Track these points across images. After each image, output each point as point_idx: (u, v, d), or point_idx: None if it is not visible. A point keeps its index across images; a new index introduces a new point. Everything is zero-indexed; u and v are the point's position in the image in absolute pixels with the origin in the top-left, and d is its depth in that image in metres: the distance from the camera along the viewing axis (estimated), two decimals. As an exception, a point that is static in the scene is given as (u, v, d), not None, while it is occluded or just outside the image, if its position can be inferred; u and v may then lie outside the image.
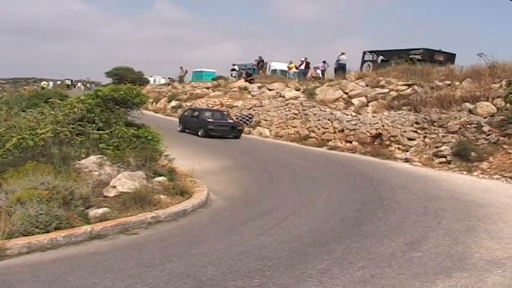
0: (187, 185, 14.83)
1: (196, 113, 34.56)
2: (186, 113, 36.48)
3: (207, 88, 48.91)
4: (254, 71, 49.39)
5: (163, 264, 8.79)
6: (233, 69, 55.39)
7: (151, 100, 46.32)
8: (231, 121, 33.56)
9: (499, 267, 9.02)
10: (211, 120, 32.34)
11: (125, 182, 13.01)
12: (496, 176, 18.70)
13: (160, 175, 14.82)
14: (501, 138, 21.28)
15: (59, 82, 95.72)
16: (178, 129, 34.40)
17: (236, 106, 38.94)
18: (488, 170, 19.46)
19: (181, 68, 64.48)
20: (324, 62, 42.02)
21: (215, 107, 40.50)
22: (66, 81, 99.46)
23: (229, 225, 11.78)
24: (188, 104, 45.13)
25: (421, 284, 8.03)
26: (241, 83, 45.09)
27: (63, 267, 8.49)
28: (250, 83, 43.82)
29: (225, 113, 35.81)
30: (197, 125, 32.60)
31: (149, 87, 62.68)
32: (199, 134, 31.73)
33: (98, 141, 15.52)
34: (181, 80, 62.20)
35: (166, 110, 47.74)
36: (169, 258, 9.13)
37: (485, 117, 23.35)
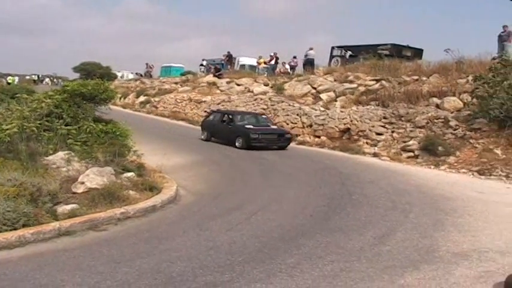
0: (156, 180, 14.78)
1: (227, 118, 27.83)
2: (211, 117, 29.40)
3: (176, 83, 48.70)
4: (223, 66, 49.32)
5: (133, 260, 8.76)
6: (202, 64, 55.26)
7: (119, 95, 45.88)
8: (275, 127, 27.56)
9: (465, 259, 9.15)
10: (251, 127, 25.90)
11: (93, 178, 12.93)
12: (463, 170, 18.96)
13: (129, 171, 14.76)
14: (468, 132, 21.57)
15: (27, 77, 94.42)
16: (202, 137, 28.27)
17: (205, 101, 38.85)
18: (455, 164, 19.72)
19: (146, 64, 64.40)
20: (295, 57, 42.17)
21: (184, 103, 40.16)
22: (33, 76, 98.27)
23: (198, 221, 11.78)
24: (156, 99, 44.88)
25: (389, 277, 8.11)
26: (210, 78, 44.98)
27: (31, 265, 8.40)
28: (219, 78, 43.74)
29: (264, 116, 29.22)
30: (232, 134, 26.12)
31: (117, 83, 62.22)
32: (236, 144, 25.29)
33: (66, 137, 15.42)
34: (148, 75, 61.93)
35: (135, 105, 47.46)
36: (139, 254, 9.11)
37: (452, 112, 23.63)
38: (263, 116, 28.88)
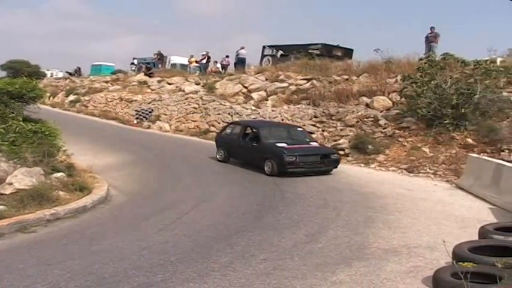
0: (86, 180, 14.58)
1: (251, 131, 20.55)
2: (228, 131, 21.91)
3: (106, 82, 47.97)
4: (154, 65, 48.88)
5: (64, 262, 8.63)
6: (132, 63, 54.64)
7: (48, 94, 44.85)
8: (315, 143, 20.30)
9: (395, 255, 9.35)
10: (285, 145, 18.74)
11: (21, 178, 12.65)
12: (392, 168, 19.38)
13: (58, 171, 14.49)
14: (396, 131, 22.10)
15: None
16: (218, 156, 21.27)
17: (135, 100, 38.39)
18: (385, 162, 20.14)
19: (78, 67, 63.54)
20: (227, 56, 42.18)
21: (114, 102, 39.50)
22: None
23: (130, 221, 11.71)
24: (86, 98, 44.14)
25: (322, 274, 8.23)
26: (141, 77, 44.50)
27: (-43, 268, 8.19)
28: (150, 77, 43.34)
29: (299, 129, 21.63)
30: (258, 154, 19.02)
31: (46, 81, 60.72)
32: (266, 169, 18.30)
33: (-7, 136, 15.00)
34: (77, 73, 60.89)
35: (64, 105, 46.49)
36: (70, 256, 8.98)
37: (381, 111, 24.15)
38: (299, 129, 21.38)
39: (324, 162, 18.49)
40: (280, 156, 17.91)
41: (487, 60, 22.27)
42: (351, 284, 7.92)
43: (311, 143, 19.86)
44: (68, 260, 8.71)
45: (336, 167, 18.69)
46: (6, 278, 7.85)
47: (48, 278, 7.87)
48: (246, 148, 19.89)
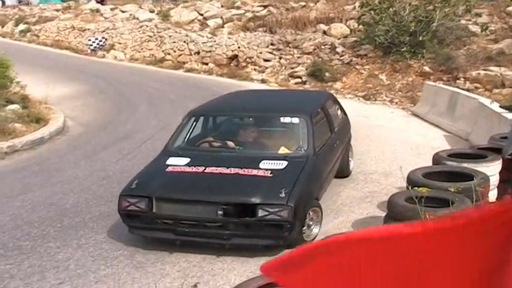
0: (42, 112, 14.50)
1: None
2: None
3: (57, 10, 46.73)
4: (106, -8, 47.81)
5: (24, 193, 8.71)
6: (83, -10, 53.32)
7: (-4, 24, 43.69)
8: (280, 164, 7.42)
9: (351, 182, 9.63)
10: (184, 162, 7.59)
11: (-25, 111, 12.53)
12: (349, 96, 19.52)
13: (12, 103, 14.33)
14: (354, 59, 22.15)
15: None
16: None
17: (88, 29, 37.60)
18: (342, 89, 20.29)
19: None
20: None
21: (67, 31, 38.67)
22: None
23: (88, 151, 11.75)
24: (37, 27, 43.06)
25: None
26: (93, 4, 43.50)
27: None
28: (102, 4, 42.45)
29: (294, 120, 8.46)
30: None
31: (-6, 10, 58.99)
32: None
33: None
34: (25, 1, 59.16)
35: (14, 35, 45.33)
36: (30, 188, 9.05)
37: (339, 39, 24.14)
38: (294, 120, 8.55)
39: (232, 226, 6.71)
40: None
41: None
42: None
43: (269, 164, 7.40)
44: (28, 192, 8.79)
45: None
46: (-33, 211, 7.93)
47: (9, 209, 7.96)
48: None
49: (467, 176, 7.11)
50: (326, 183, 8.30)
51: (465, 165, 7.69)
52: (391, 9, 21.65)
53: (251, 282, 4.63)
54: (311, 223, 7.09)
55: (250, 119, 9.09)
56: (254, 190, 6.75)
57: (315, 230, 7.14)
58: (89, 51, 32.93)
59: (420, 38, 20.80)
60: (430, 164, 8.39)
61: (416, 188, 6.43)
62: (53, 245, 6.97)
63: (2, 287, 6.01)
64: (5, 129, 12.16)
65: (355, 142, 12.67)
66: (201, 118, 8.94)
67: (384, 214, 7.12)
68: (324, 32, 25.12)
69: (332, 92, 19.79)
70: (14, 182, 9.50)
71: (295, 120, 8.31)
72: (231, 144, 8.16)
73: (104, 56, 32.18)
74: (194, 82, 23.25)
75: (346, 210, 8.24)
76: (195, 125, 8.77)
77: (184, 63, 27.79)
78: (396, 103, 18.34)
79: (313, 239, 6.77)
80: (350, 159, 10.31)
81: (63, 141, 12.79)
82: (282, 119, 8.57)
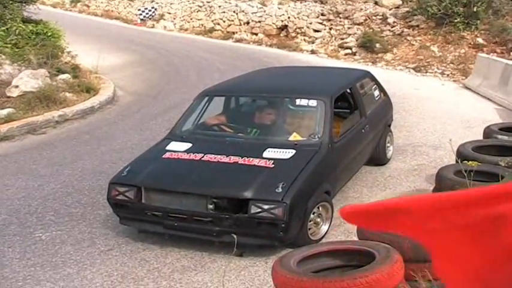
0: (92, 81, 14.63)
1: None
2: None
3: (108, -20, 47.07)
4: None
5: (74, 162, 8.81)
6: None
7: (48, -7, 44.14)
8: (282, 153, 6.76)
9: (400, 154, 9.46)
10: (186, 148, 7.05)
11: (27, 80, 12.66)
12: (400, 67, 19.22)
13: (64, 72, 14.47)
14: (405, 30, 21.73)
15: None
16: None
17: (138, -1, 37.83)
18: (392, 61, 19.97)
19: None
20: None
21: (117, 1, 38.79)
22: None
23: (137, 121, 11.82)
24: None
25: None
26: (143, -26, 43.66)
27: (-29, 171, 8.37)
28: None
29: (311, 102, 7.45)
30: None
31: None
32: None
33: (-6, 39, 14.88)
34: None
35: (65, 5, 45.82)
36: (80, 156, 9.15)
37: (390, 9, 23.71)
38: (311, 102, 7.58)
39: (223, 222, 6.03)
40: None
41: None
42: (356, 180, 8.07)
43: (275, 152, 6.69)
44: (78, 160, 8.89)
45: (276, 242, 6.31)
46: (21, 178, 8.07)
47: (60, 177, 8.06)
48: None
49: (518, 150, 6.92)
50: (346, 174, 7.49)
51: (516, 139, 7.49)
52: (445, -22, 21.08)
53: (296, 253, 4.66)
54: (319, 220, 6.37)
55: (264, 100, 8.25)
56: (248, 183, 6.04)
57: (324, 227, 6.40)
58: (139, 21, 33.08)
59: (474, 9, 20.13)
60: (480, 137, 8.20)
61: (465, 161, 6.25)
62: (102, 213, 7.07)
63: (54, 251, 6.13)
64: (57, 99, 12.28)
65: (405, 114, 12.49)
66: (215, 99, 8.34)
67: (431, 187, 7.04)
68: (376, 2, 24.69)
69: (382, 63, 19.58)
70: (64, 150, 9.60)
71: (313, 102, 7.31)
72: (239, 128, 7.50)
73: (153, 26, 32.28)
74: (244, 52, 23.17)
75: (393, 182, 8.16)
76: (207, 106, 8.18)
77: (233, 33, 27.72)
78: (447, 75, 17.95)
79: (321, 239, 6.26)
80: (388, 145, 9.18)
81: (113, 111, 12.89)
82: (298, 101, 7.49)
